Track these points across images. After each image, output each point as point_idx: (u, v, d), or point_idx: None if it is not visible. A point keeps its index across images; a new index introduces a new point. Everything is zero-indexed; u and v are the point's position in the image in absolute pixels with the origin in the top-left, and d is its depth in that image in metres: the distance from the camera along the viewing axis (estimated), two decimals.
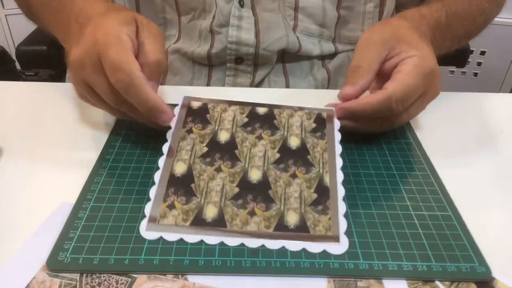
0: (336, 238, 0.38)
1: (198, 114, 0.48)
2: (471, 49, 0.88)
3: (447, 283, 0.35)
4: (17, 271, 0.35)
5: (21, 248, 0.37)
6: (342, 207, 0.40)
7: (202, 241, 0.37)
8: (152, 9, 0.68)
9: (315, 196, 0.41)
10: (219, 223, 0.38)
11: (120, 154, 0.47)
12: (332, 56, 0.71)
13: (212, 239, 0.37)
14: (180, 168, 0.43)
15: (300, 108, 0.49)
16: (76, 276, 0.35)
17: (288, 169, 0.43)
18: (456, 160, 0.49)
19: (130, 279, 0.35)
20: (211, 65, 0.69)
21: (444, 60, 0.64)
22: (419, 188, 0.44)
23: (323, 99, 0.50)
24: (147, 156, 0.47)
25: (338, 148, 0.45)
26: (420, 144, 0.50)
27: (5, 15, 1.54)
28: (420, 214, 0.41)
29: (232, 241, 0.37)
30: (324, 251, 0.37)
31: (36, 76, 0.74)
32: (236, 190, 0.41)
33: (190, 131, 0.46)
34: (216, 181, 0.42)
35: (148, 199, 0.40)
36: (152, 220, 0.38)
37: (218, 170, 0.43)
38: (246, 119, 0.48)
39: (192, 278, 0.35)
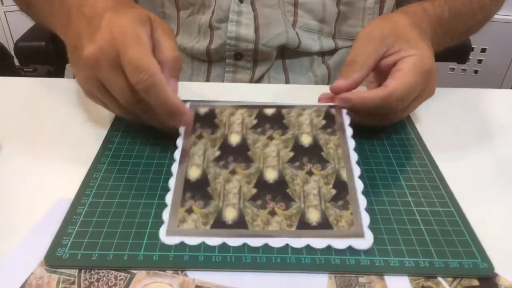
0: (360, 233, 0.37)
1: (206, 120, 0.48)
2: (471, 46, 0.88)
3: (450, 279, 0.35)
4: (15, 267, 0.35)
5: (19, 243, 0.36)
6: (362, 201, 0.39)
7: (224, 243, 0.36)
8: (150, 3, 0.67)
9: (334, 191, 0.40)
10: (240, 225, 0.38)
11: (119, 149, 0.46)
12: (332, 52, 0.71)
13: (235, 241, 0.37)
14: (194, 173, 0.42)
15: (308, 106, 0.49)
16: (75, 272, 0.34)
17: (304, 166, 0.43)
18: (457, 156, 0.48)
19: (129, 275, 0.34)
20: (210, 61, 0.68)
21: (445, 56, 0.64)
22: (421, 183, 0.43)
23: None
24: (146, 151, 0.46)
25: (351, 143, 0.44)
26: (422, 139, 0.49)
27: (4, 12, 1.53)
28: (421, 210, 0.40)
29: (256, 242, 0.36)
30: (350, 247, 0.36)
31: (34, 72, 0.73)
32: (254, 191, 0.41)
33: (200, 137, 0.46)
34: (232, 183, 0.41)
35: (147, 196, 0.40)
36: (172, 225, 0.38)
37: (233, 172, 0.42)
38: (255, 121, 0.47)
39: (192, 274, 0.34)
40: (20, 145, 0.48)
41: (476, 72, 1.72)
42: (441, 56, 0.58)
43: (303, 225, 0.38)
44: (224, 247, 0.36)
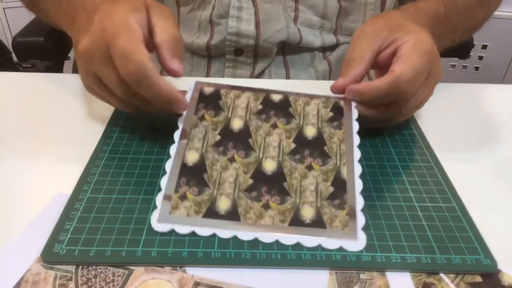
0: (353, 235, 0.36)
1: (210, 100, 0.46)
2: (473, 42, 0.87)
3: (452, 275, 0.34)
4: (11, 263, 0.34)
5: (15, 239, 0.36)
6: (359, 202, 0.38)
7: (214, 234, 0.36)
8: None
9: (331, 189, 0.40)
10: (232, 216, 0.37)
11: (118, 145, 0.46)
12: (333, 47, 0.70)
13: (225, 233, 0.36)
14: (192, 157, 0.41)
15: (316, 96, 0.48)
16: (72, 268, 0.34)
17: (304, 160, 0.42)
18: (460, 151, 0.48)
19: (127, 271, 0.34)
20: (210, 57, 0.68)
21: (446, 51, 0.64)
22: (423, 179, 0.43)
23: (325, 90, 0.49)
24: (145, 147, 0.46)
25: (356, 139, 0.43)
26: (423, 135, 0.49)
27: (3, 8, 1.53)
28: (423, 205, 0.40)
29: (246, 236, 0.36)
30: (341, 248, 0.36)
31: (33, 68, 0.73)
32: (250, 181, 0.40)
33: (202, 118, 0.45)
34: (229, 171, 0.41)
35: (145, 191, 0.40)
36: (164, 211, 0.37)
37: (231, 160, 0.41)
38: (260, 106, 0.46)
39: (191, 270, 0.34)
40: (18, 141, 0.47)
41: (477, 69, 1.71)
42: (443, 52, 0.57)
43: (296, 222, 0.37)
44: (223, 242, 0.36)
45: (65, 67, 0.82)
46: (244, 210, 0.38)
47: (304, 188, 0.40)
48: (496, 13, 0.68)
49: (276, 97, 0.47)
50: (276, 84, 0.60)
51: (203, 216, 0.37)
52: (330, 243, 0.36)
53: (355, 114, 0.45)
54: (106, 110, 0.51)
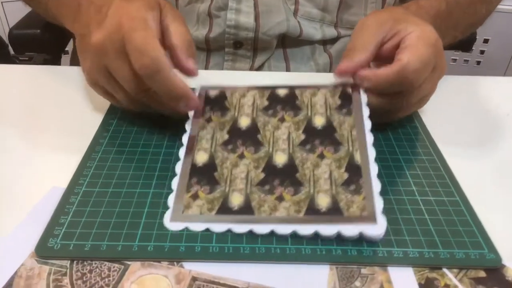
0: (372, 218, 0.35)
1: (216, 102, 0.46)
2: (475, 35, 0.86)
3: (455, 270, 0.34)
4: (5, 258, 0.33)
5: (9, 234, 0.35)
6: (376, 185, 0.37)
7: (229, 230, 0.35)
8: None
9: (346, 175, 0.38)
10: (246, 211, 0.37)
11: (114, 138, 0.45)
12: (334, 40, 0.69)
13: (240, 227, 0.35)
14: (201, 158, 0.41)
15: (323, 86, 0.46)
16: (66, 263, 0.33)
17: (315, 149, 0.41)
18: (463, 144, 0.47)
19: (123, 266, 0.33)
20: (209, 50, 0.67)
21: (448, 45, 0.63)
22: (425, 173, 0.42)
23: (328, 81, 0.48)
24: (142, 140, 0.45)
25: (368, 124, 0.42)
26: (426, 128, 0.48)
27: (1, 2, 1.52)
28: (426, 199, 0.39)
29: (261, 229, 0.35)
30: (361, 234, 0.34)
31: (30, 61, 0.72)
32: (262, 175, 0.39)
33: (209, 120, 0.44)
34: (239, 168, 0.40)
35: (143, 185, 0.39)
36: (176, 210, 0.37)
37: (241, 156, 0.41)
38: (266, 102, 0.46)
39: (188, 265, 0.33)
40: (13, 134, 0.46)
41: (478, 63, 1.70)
42: (446, 47, 0.56)
43: (312, 211, 0.36)
44: (222, 237, 0.35)
45: (62, 60, 0.82)
46: (258, 204, 0.37)
47: (318, 177, 0.39)
48: (498, 6, 0.67)
49: (281, 92, 0.47)
50: (276, 76, 0.60)
51: (217, 213, 0.37)
52: (349, 229, 0.34)
53: (364, 99, 0.44)
54: (104, 102, 0.50)
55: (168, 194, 0.38)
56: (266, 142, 0.42)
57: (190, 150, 0.42)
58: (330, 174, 0.39)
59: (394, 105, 0.46)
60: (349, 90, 0.45)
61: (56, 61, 0.78)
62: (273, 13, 0.63)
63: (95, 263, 0.33)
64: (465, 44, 0.84)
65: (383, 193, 0.39)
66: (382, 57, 0.47)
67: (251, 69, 0.66)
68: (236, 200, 0.37)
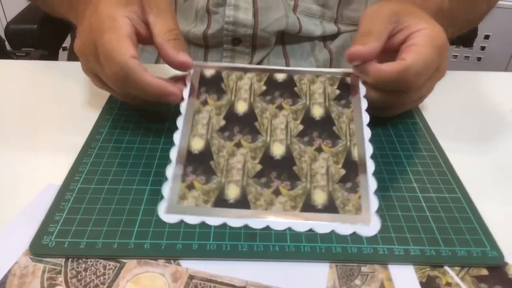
0: (366, 219, 0.35)
1: (212, 84, 0.45)
2: (477, 30, 0.85)
3: (457, 268, 0.33)
4: None
5: (3, 231, 0.35)
6: (372, 184, 0.37)
7: (225, 224, 0.35)
8: None
9: (343, 172, 0.38)
10: (242, 204, 0.36)
11: (111, 134, 0.44)
12: (334, 36, 0.69)
13: (235, 221, 0.35)
14: (197, 144, 0.40)
15: (322, 72, 0.46)
16: (61, 261, 0.32)
17: (313, 142, 0.40)
18: (465, 141, 0.46)
19: (118, 264, 0.32)
20: (207, 46, 0.66)
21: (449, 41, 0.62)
22: (426, 169, 0.41)
23: None
24: (139, 136, 0.44)
25: (366, 118, 0.42)
26: (427, 124, 0.47)
27: None
28: (427, 196, 0.38)
29: (257, 224, 0.35)
30: (354, 234, 0.34)
31: (27, 57, 0.71)
32: (259, 167, 0.39)
33: (205, 103, 0.43)
34: (236, 157, 0.39)
35: (139, 182, 0.38)
36: (172, 201, 0.36)
37: (238, 145, 0.40)
38: (264, 87, 0.45)
39: (185, 263, 0.33)
40: (8, 129, 0.46)
41: (479, 59, 1.69)
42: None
43: (308, 207, 0.36)
44: (219, 234, 0.34)
45: (60, 56, 0.81)
46: (254, 197, 0.37)
47: (315, 171, 0.38)
48: (499, 2, 0.66)
49: (279, 77, 0.46)
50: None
51: (212, 205, 0.36)
52: (343, 228, 0.35)
53: (363, 90, 0.43)
54: (101, 98, 0.49)
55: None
56: (263, 130, 0.41)
57: (185, 134, 0.41)
58: (327, 169, 0.38)
59: (389, 102, 0.45)
60: (348, 79, 0.45)
61: (53, 57, 0.77)
62: (272, 9, 0.62)
63: (91, 261, 0.33)
64: (466, 39, 0.84)
65: (383, 189, 0.38)
66: (388, 49, 0.45)
67: None
68: (232, 192, 0.37)
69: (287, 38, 0.66)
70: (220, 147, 0.40)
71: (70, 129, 0.46)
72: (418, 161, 0.42)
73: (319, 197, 0.37)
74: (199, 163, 0.39)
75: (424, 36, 0.43)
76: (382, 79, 0.42)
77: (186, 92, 0.43)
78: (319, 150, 0.40)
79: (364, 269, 0.33)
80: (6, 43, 0.73)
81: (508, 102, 0.53)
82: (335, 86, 0.44)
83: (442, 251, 0.34)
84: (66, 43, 0.84)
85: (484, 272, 0.33)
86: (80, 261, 0.33)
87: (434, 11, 0.53)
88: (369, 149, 0.39)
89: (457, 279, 0.32)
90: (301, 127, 0.42)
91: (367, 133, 0.41)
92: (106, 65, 0.39)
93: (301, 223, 0.35)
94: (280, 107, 0.43)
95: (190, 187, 0.37)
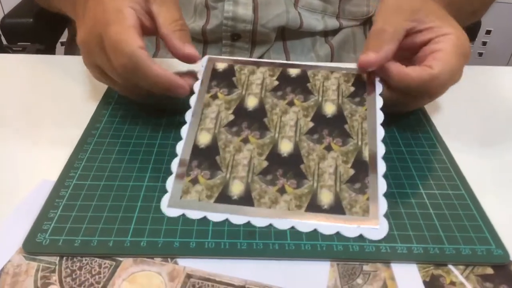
0: (374, 222, 0.34)
1: (223, 77, 0.44)
2: (480, 23, 0.84)
3: (461, 267, 0.32)
4: None
5: None
6: (382, 186, 0.36)
7: (226, 220, 0.34)
8: None
9: (352, 172, 0.37)
10: (245, 201, 0.35)
11: (107, 129, 0.43)
12: (335, 31, 0.68)
13: (238, 218, 0.34)
14: (204, 139, 0.39)
15: (337, 69, 0.44)
16: (55, 259, 0.32)
17: (323, 140, 0.39)
18: (469, 137, 0.46)
19: (114, 263, 0.32)
20: (206, 42, 0.65)
21: None
22: (429, 165, 0.40)
23: None
24: (136, 131, 0.43)
25: (380, 116, 0.40)
26: (430, 119, 0.47)
27: None
28: (431, 193, 0.38)
29: (260, 222, 0.34)
30: (361, 236, 0.33)
31: (23, 51, 0.70)
32: (265, 164, 0.38)
33: (215, 97, 0.42)
34: (243, 153, 0.38)
35: (136, 178, 0.38)
36: (175, 195, 0.36)
37: (245, 141, 0.39)
38: (276, 82, 0.44)
39: (183, 262, 0.32)
40: (5, 123, 0.45)
41: (480, 54, 1.68)
42: None
43: (313, 207, 0.35)
44: (218, 232, 0.34)
45: (57, 51, 0.80)
46: (258, 194, 0.36)
47: (322, 170, 0.37)
48: None
49: (293, 72, 0.44)
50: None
51: (215, 201, 0.35)
52: (349, 230, 0.34)
53: (379, 88, 0.42)
54: (98, 92, 0.49)
55: (162, 187, 0.37)
56: (272, 127, 0.40)
57: (193, 128, 0.40)
58: (335, 168, 0.37)
59: (403, 102, 0.44)
60: (364, 76, 0.43)
61: (50, 52, 0.76)
62: (272, 4, 0.61)
63: (85, 260, 0.32)
64: (469, 32, 0.82)
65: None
66: (406, 47, 0.43)
67: None
68: (236, 189, 0.36)
69: (287, 34, 0.65)
70: (226, 142, 0.39)
71: (65, 123, 0.45)
72: (421, 157, 0.41)
73: (326, 197, 0.36)
74: (205, 157, 0.38)
75: (450, 43, 0.41)
76: (406, 84, 0.41)
77: (196, 86, 0.42)
78: (329, 148, 0.39)
79: (366, 267, 0.32)
80: (2, 37, 0.72)
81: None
82: (350, 83, 0.43)
83: (446, 249, 0.33)
84: (64, 38, 0.83)
85: (489, 271, 0.32)
86: (74, 259, 0.32)
87: (446, 2, 0.51)
88: (381, 149, 0.38)
89: (462, 278, 0.32)
90: (311, 124, 0.40)
91: (381, 132, 0.39)
92: (114, 56, 0.38)
93: (305, 223, 0.34)
94: (291, 103, 0.42)
95: (195, 181, 0.37)
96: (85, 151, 0.40)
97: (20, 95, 0.50)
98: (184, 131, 0.40)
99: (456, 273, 0.32)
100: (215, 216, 0.35)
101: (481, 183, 0.39)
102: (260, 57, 0.65)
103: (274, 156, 0.38)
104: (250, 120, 0.41)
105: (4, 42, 0.73)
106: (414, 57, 0.43)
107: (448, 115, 0.48)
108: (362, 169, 0.37)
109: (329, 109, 0.41)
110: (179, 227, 0.34)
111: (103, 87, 0.48)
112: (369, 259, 0.32)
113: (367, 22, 0.72)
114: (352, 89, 0.43)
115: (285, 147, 0.39)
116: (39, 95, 0.50)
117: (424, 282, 0.31)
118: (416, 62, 0.43)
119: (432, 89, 0.41)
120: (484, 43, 1.65)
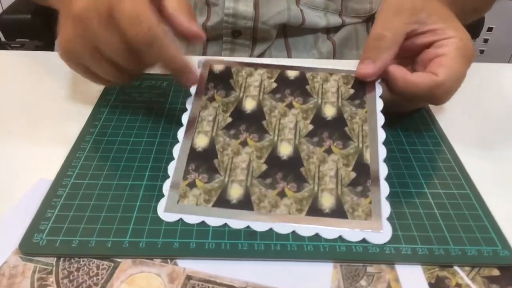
0: (377, 226, 0.33)
1: (220, 79, 0.43)
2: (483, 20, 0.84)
3: (467, 268, 0.32)
4: None
5: None
6: (384, 189, 0.35)
7: (225, 225, 0.33)
8: None
9: (353, 175, 0.36)
10: (245, 205, 0.35)
11: (106, 127, 0.43)
12: (337, 28, 0.67)
13: (237, 223, 0.34)
14: (201, 142, 0.39)
15: (336, 71, 0.43)
16: (52, 260, 0.31)
17: (323, 143, 0.39)
18: (473, 136, 0.45)
19: (112, 264, 0.31)
20: (207, 39, 0.65)
21: None
22: (434, 164, 0.40)
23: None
24: (135, 129, 0.43)
25: (380, 119, 0.40)
26: (434, 117, 0.46)
27: None
28: (435, 192, 0.37)
29: (260, 226, 0.33)
30: (364, 240, 0.33)
31: (22, 48, 0.69)
32: (264, 167, 0.37)
33: (212, 99, 0.42)
34: (241, 156, 0.38)
35: (135, 177, 0.37)
36: (172, 200, 0.35)
37: (244, 144, 0.38)
38: (274, 85, 0.43)
39: (182, 263, 0.31)
40: (2, 121, 0.44)
41: (482, 52, 1.68)
42: None
43: (314, 211, 0.34)
44: (218, 233, 0.33)
45: (56, 47, 0.79)
46: (258, 198, 0.35)
47: (323, 174, 0.37)
48: None
49: (291, 74, 0.44)
50: (278, 62, 0.57)
51: (214, 205, 0.35)
52: (352, 234, 0.33)
53: (379, 90, 0.41)
54: (96, 89, 0.48)
55: (161, 186, 0.36)
56: (271, 129, 0.40)
57: (190, 131, 0.39)
58: (336, 172, 0.37)
59: (405, 104, 0.43)
60: None
61: (49, 48, 0.76)
62: (273, 1, 0.61)
63: (83, 261, 0.31)
64: (471, 30, 0.82)
65: (389, 186, 0.37)
66: (407, 48, 0.42)
67: None
68: (235, 192, 0.35)
69: (289, 31, 0.65)
70: (224, 145, 0.38)
71: (63, 121, 0.44)
72: (425, 156, 0.41)
73: (327, 201, 0.35)
74: (203, 160, 0.37)
75: (453, 48, 0.40)
76: (411, 91, 0.40)
77: (193, 88, 0.42)
78: (329, 151, 0.38)
79: (370, 269, 0.31)
80: (0, 34, 0.71)
81: None
82: (349, 85, 0.42)
83: (451, 250, 0.32)
84: None
85: (496, 272, 0.32)
86: (72, 260, 0.31)
87: (449, 0, 0.50)
88: (382, 152, 0.38)
89: (468, 280, 0.31)
90: (311, 127, 0.40)
91: (381, 135, 0.39)
92: (133, 25, 0.36)
93: (306, 227, 0.33)
94: (290, 106, 0.41)
95: (192, 185, 0.36)
96: (83, 150, 0.40)
97: (18, 92, 0.49)
98: (180, 134, 0.39)
99: (461, 274, 0.31)
100: (214, 221, 0.34)
101: (485, 182, 0.38)
102: (261, 54, 0.65)
103: (273, 159, 0.37)
104: (248, 122, 0.40)
105: (2, 38, 0.72)
106: (416, 58, 0.42)
107: (451, 113, 0.48)
108: (363, 172, 0.37)
109: (329, 111, 0.41)
110: (179, 227, 0.33)
111: (102, 85, 0.48)
112: (373, 260, 0.32)
113: (370, 19, 0.71)
114: (352, 91, 0.42)
115: (285, 150, 0.38)
116: (38, 92, 0.49)
117: (430, 284, 0.31)
118: (418, 64, 0.42)
119: (437, 96, 0.40)
120: (486, 40, 1.64)
